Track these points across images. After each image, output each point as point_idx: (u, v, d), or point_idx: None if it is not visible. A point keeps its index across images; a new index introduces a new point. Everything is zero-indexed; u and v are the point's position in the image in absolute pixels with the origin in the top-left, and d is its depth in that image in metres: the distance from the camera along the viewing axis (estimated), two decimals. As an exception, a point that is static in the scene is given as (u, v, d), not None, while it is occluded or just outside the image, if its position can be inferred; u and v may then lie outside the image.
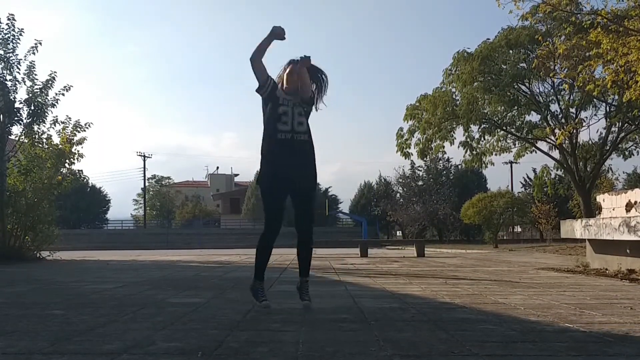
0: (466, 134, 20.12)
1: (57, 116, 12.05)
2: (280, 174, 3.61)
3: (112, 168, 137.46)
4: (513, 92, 19.11)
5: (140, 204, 58.94)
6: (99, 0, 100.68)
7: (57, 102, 11.86)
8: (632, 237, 6.05)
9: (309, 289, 3.75)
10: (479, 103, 19.19)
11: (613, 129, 19.25)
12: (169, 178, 68.42)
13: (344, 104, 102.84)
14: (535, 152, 20.93)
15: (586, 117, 19.11)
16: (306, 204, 3.74)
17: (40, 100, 11.67)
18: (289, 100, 3.66)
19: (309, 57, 3.72)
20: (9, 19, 11.34)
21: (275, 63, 3.85)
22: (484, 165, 20.87)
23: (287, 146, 3.59)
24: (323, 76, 3.87)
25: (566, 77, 14.96)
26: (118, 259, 12.06)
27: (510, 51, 18.67)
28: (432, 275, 6.78)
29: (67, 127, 12.22)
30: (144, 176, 53.50)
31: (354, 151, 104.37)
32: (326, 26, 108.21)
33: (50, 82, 11.81)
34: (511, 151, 20.97)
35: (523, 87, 19.31)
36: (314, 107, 3.83)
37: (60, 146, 12.13)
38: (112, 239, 38.52)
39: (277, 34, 3.63)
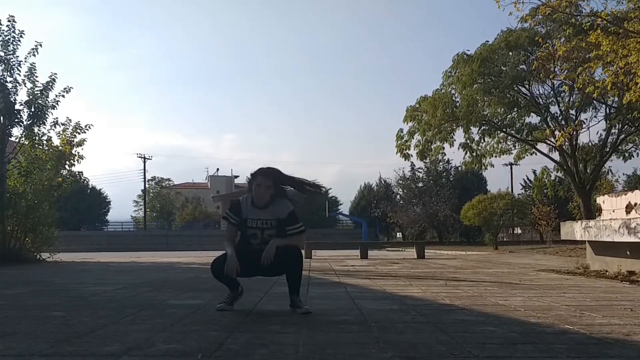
0: (466, 135, 20.09)
1: (57, 118, 12.10)
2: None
3: (113, 170, 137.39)
4: (513, 93, 19.09)
5: (140, 205, 58.84)
6: (99, 2, 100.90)
7: (57, 104, 11.89)
8: (632, 239, 6.06)
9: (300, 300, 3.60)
10: (479, 105, 19.15)
11: (613, 130, 19.22)
12: (169, 180, 68.33)
13: (344, 106, 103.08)
14: (535, 154, 20.93)
15: (586, 119, 19.10)
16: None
17: (40, 102, 11.69)
18: (258, 221, 3.60)
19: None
20: (9, 21, 11.38)
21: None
22: (483, 167, 20.83)
23: (258, 249, 3.55)
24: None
25: (566, 78, 15.03)
26: (118, 261, 12.06)
27: (510, 53, 18.65)
28: (432, 277, 6.78)
29: (67, 128, 12.25)
30: (144, 178, 53.51)
31: (354, 153, 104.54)
32: (328, 28, 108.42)
33: (50, 83, 11.83)
34: (511, 153, 20.93)
35: (523, 89, 19.29)
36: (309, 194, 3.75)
37: (60, 148, 12.14)
38: (112, 241, 38.47)
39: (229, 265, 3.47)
